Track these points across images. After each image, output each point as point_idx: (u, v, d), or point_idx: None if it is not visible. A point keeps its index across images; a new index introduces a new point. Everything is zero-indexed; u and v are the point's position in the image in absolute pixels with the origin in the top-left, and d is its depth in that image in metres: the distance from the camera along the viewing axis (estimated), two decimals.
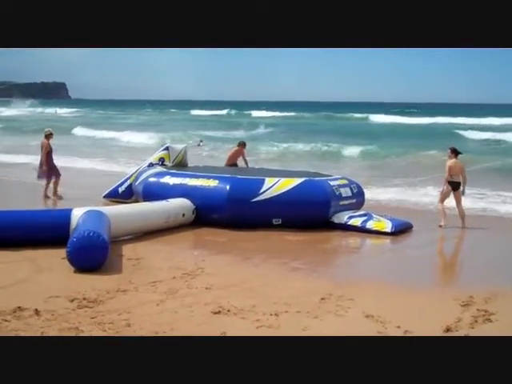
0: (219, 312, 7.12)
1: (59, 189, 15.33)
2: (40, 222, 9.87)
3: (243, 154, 15.86)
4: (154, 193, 12.49)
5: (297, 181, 12.10)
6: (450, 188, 12.52)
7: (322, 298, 7.78)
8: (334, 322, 6.89)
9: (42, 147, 15.37)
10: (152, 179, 12.95)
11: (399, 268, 10.44)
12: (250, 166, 16.43)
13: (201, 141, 27.35)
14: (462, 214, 12.60)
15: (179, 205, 11.73)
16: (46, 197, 15.30)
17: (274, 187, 11.79)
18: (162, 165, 14.41)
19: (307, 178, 12.39)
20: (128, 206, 12.03)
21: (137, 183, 13.58)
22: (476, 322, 6.91)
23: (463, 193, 12.61)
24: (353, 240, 12.01)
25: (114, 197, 14.23)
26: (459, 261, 11.23)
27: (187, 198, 11.89)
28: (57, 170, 15.50)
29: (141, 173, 13.94)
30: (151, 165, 14.41)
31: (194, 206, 11.86)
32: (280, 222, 11.79)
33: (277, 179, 12.05)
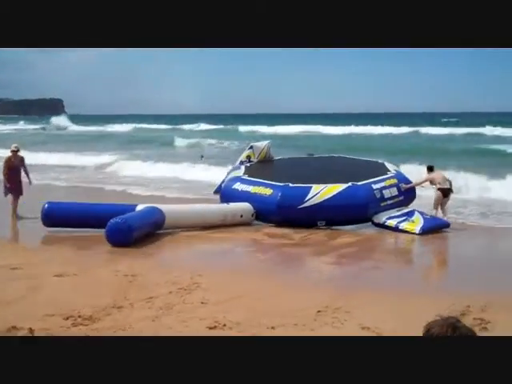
0: (215, 327, 6.92)
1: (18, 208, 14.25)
2: (113, 212, 12.00)
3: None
4: (228, 196, 14.30)
5: (339, 187, 13.26)
6: (441, 194, 13.78)
7: (319, 311, 7.57)
8: (330, 335, 6.63)
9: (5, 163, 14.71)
10: (227, 183, 14.87)
11: (399, 277, 10.23)
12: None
13: (202, 156, 28.82)
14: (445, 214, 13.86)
15: (237, 207, 13.61)
16: (16, 217, 14.21)
17: (319, 194, 13.07)
18: (250, 162, 16.06)
19: (350, 184, 13.40)
20: (189, 205, 14.20)
21: (224, 183, 15.42)
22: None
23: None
24: (354, 250, 11.86)
25: (218, 191, 15.50)
26: (459, 268, 10.83)
27: (249, 203, 13.63)
28: (19, 188, 14.47)
29: (231, 171, 15.89)
30: (241, 163, 16.12)
31: (254, 210, 13.53)
32: (324, 224, 13.09)
33: (323, 186, 13.23)
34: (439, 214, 13.83)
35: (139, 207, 12.66)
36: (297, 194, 13.25)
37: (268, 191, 13.59)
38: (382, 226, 13.07)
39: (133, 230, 11.40)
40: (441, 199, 13.84)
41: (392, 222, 12.95)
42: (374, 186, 13.63)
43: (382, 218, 13.17)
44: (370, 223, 13.45)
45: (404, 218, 13.08)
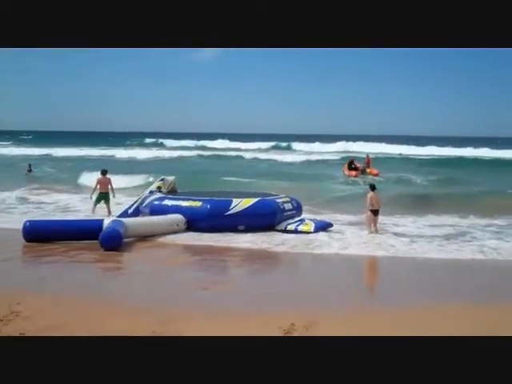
0: None
1: None
2: (86, 227, 14.82)
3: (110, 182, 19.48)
4: (158, 211, 16.51)
5: (253, 200, 16.58)
6: (371, 214, 16.14)
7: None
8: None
9: None
10: (156, 202, 17.04)
11: (224, 296, 9.92)
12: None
13: (29, 165, 31.77)
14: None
15: (174, 218, 16.08)
16: None
17: (239, 205, 16.24)
18: (160, 191, 18.43)
19: (261, 198, 16.93)
20: (140, 218, 16.69)
21: (143, 206, 17.41)
22: None
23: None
24: (179, 269, 12.34)
25: (125, 216, 17.05)
26: (284, 287, 10.84)
27: (181, 214, 16.13)
28: None
29: (145, 198, 17.78)
30: (151, 192, 18.39)
31: (185, 219, 16.05)
32: (243, 228, 16.02)
33: (240, 199, 16.42)
34: (372, 230, 16.10)
35: (106, 221, 14.80)
36: (222, 205, 16.24)
37: (198, 203, 16.36)
38: (285, 230, 16.30)
39: (121, 237, 13.77)
40: (372, 218, 16.16)
41: (291, 227, 16.49)
42: (278, 200, 17.15)
43: (283, 225, 16.61)
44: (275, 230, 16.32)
45: (299, 222, 16.74)
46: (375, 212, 16.28)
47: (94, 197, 19.43)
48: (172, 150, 71.93)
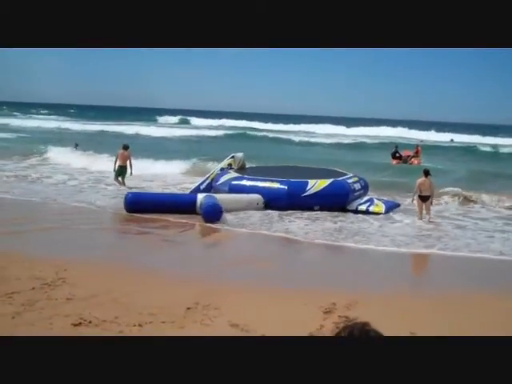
0: (80, 324, 6.77)
1: None
2: (178, 200, 16.21)
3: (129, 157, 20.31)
4: (236, 190, 17.33)
5: (327, 181, 17.31)
6: (419, 200, 15.90)
7: (188, 308, 7.55)
8: (199, 332, 6.65)
9: None
10: (234, 182, 17.81)
11: (266, 275, 9.97)
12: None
13: (76, 144, 31.80)
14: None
15: (254, 198, 16.91)
16: None
17: (314, 186, 17.03)
18: (231, 169, 19.33)
19: (334, 179, 17.60)
20: (227, 195, 17.08)
21: (218, 183, 18.19)
22: (337, 328, 6.86)
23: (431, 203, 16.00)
24: (224, 248, 12.53)
25: (197, 192, 17.66)
26: (325, 268, 10.84)
27: (260, 194, 16.93)
28: None
29: (219, 175, 18.63)
30: (222, 169, 19.27)
31: (263, 200, 16.81)
32: (318, 208, 16.81)
33: (315, 181, 17.19)
34: (423, 216, 15.92)
35: (200, 196, 16.00)
36: (299, 186, 17.03)
37: (276, 184, 17.12)
38: (356, 211, 16.84)
39: (222, 211, 14.88)
40: (421, 204, 15.98)
41: (363, 207, 17.05)
42: (349, 181, 17.86)
43: (353, 205, 17.16)
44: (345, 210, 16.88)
45: (369, 203, 17.24)
46: (423, 198, 15.93)
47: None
48: (204, 129, 68.40)
